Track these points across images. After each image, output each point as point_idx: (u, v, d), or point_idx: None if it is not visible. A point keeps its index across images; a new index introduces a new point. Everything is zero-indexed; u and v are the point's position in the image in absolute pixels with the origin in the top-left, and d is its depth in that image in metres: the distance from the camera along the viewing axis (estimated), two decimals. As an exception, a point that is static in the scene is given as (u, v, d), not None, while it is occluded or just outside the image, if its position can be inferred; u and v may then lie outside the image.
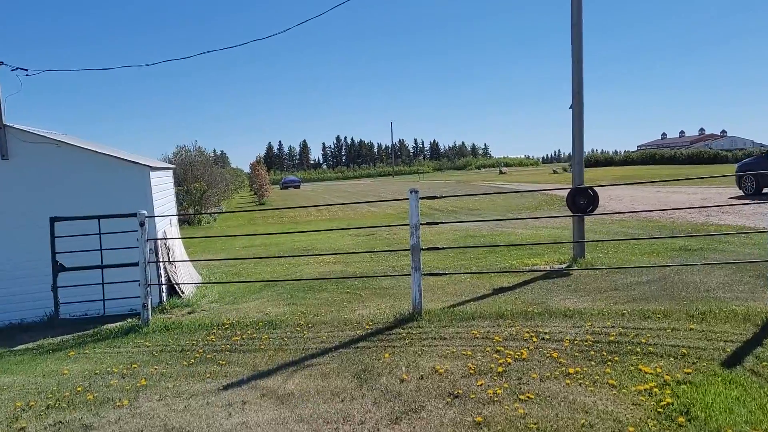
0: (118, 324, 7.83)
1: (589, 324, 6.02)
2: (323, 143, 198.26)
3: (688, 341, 5.32)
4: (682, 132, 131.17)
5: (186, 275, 9.72)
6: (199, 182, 22.96)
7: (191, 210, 22.69)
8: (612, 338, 5.51)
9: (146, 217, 7.56)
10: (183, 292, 9.08)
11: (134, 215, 7.50)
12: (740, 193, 20.47)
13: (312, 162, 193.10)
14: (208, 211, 22.51)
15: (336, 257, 12.18)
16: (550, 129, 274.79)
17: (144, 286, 7.53)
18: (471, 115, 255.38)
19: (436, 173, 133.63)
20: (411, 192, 6.65)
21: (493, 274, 9.18)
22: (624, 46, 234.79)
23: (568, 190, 9.37)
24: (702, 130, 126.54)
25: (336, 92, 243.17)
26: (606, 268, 8.82)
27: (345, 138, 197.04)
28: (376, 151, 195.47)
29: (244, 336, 6.68)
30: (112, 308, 8.33)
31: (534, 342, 5.59)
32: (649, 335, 5.53)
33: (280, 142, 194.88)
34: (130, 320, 7.96)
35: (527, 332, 5.89)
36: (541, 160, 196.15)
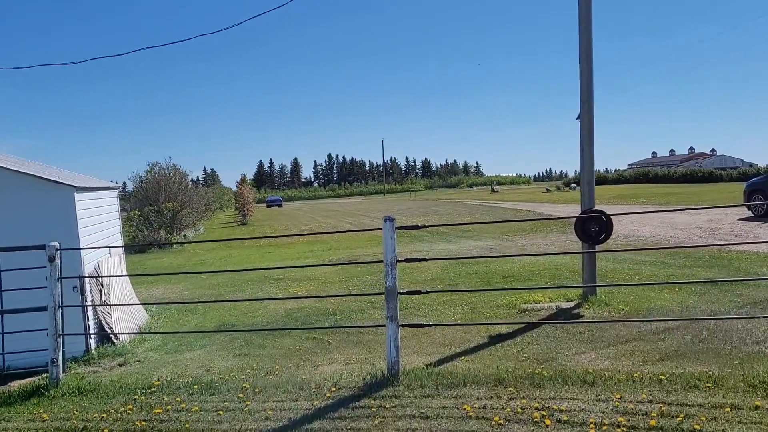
0: (24, 382, 6.32)
1: (618, 396, 4.56)
2: (315, 161, 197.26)
3: (758, 429, 3.87)
4: (672, 151, 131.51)
5: (127, 316, 8.20)
6: (171, 202, 21.39)
7: (162, 232, 21.11)
8: (653, 422, 4.05)
9: (58, 249, 6.07)
10: (118, 339, 7.56)
11: (43, 247, 6.02)
12: (749, 214, 19.17)
13: (303, 180, 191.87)
14: (154, 243, 20.90)
15: (308, 290, 10.70)
16: (540, 147, 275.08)
17: (54, 336, 6.02)
18: (463, 134, 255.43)
19: (427, 191, 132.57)
20: (386, 220, 5.21)
21: (488, 315, 7.72)
22: (613, 65, 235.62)
23: (577, 214, 7.96)
24: (692, 148, 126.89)
25: (327, 110, 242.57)
26: (631, 321, 7.35)
27: (336, 156, 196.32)
28: (367, 169, 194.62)
29: (170, 406, 5.17)
30: (26, 360, 6.79)
31: (546, 426, 4.13)
32: (702, 417, 4.07)
33: (271, 160, 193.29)
34: (44, 376, 6.42)
35: (537, 408, 4.43)
36: (532, 178, 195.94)
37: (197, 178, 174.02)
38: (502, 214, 29.45)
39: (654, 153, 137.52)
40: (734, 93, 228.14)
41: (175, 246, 21.06)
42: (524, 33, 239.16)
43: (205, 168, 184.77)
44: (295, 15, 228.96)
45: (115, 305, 7.76)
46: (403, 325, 5.38)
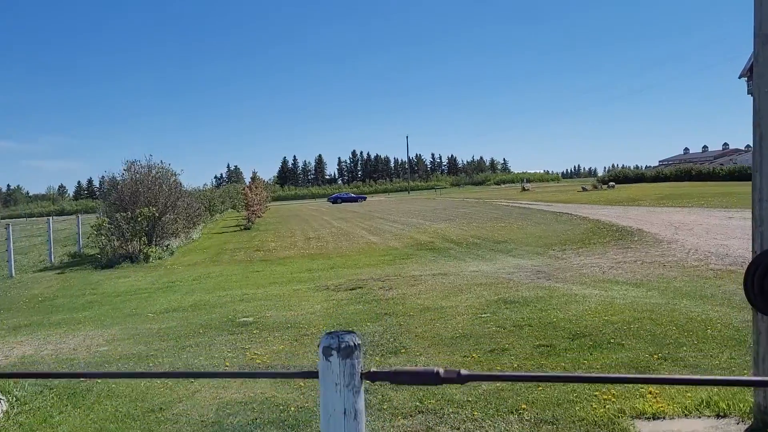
0: None
1: None
2: (339, 158, 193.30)
3: None
4: (705, 147, 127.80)
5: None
6: (149, 207, 17.91)
7: (136, 243, 17.71)
8: None
9: None
10: None
11: None
12: None
13: (327, 177, 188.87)
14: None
15: (275, 352, 7.11)
16: (568, 143, 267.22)
17: None
18: (489, 130, 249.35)
19: (453, 189, 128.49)
20: (329, 353, 1.56)
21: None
22: (644, 58, 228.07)
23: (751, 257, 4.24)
24: (726, 144, 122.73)
25: (352, 106, 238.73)
26: None
27: (361, 152, 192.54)
28: (392, 165, 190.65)
29: None
30: None
31: None
32: None
33: (294, 156, 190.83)
34: None
35: None
36: (561, 175, 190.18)
37: (220, 175, 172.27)
38: (541, 218, 25.57)
39: (686, 149, 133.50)
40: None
41: (152, 259, 17.65)
42: (550, 26, 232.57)
43: (228, 165, 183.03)
44: (321, 11, 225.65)
45: None
46: None
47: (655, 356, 5.85)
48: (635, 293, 9.06)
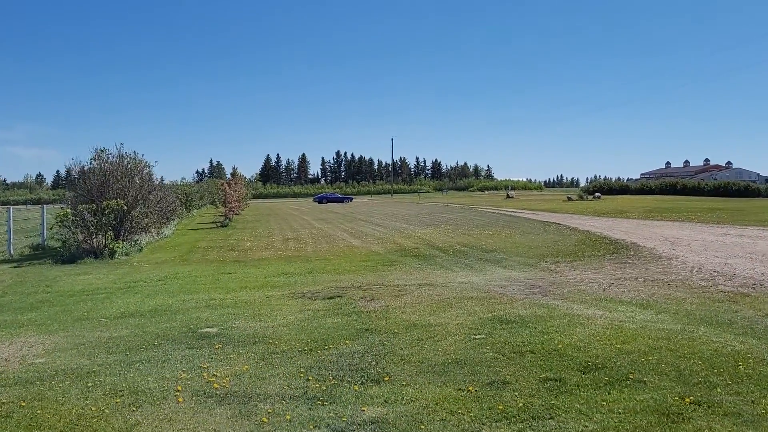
0: None
1: None
2: (323, 158, 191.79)
3: None
4: (686, 162, 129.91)
5: None
6: (116, 200, 16.69)
7: (101, 237, 16.49)
8: None
9: None
10: None
11: None
12: None
13: (311, 176, 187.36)
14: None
15: (237, 372, 6.09)
16: (551, 153, 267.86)
17: None
18: (474, 136, 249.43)
19: (436, 193, 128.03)
20: None
21: None
22: (627, 72, 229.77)
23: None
24: (707, 160, 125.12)
25: (337, 106, 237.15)
26: None
27: (345, 153, 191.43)
28: (376, 167, 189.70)
29: None
30: None
31: None
32: None
33: (278, 154, 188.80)
34: None
35: None
36: (543, 183, 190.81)
37: (202, 170, 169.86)
38: (529, 227, 24.76)
39: (668, 163, 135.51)
40: (752, 106, 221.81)
41: (117, 255, 16.48)
42: (536, 37, 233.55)
43: (211, 160, 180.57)
44: (309, 13, 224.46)
45: None
46: None
47: (687, 399, 4.94)
48: (644, 316, 8.18)
